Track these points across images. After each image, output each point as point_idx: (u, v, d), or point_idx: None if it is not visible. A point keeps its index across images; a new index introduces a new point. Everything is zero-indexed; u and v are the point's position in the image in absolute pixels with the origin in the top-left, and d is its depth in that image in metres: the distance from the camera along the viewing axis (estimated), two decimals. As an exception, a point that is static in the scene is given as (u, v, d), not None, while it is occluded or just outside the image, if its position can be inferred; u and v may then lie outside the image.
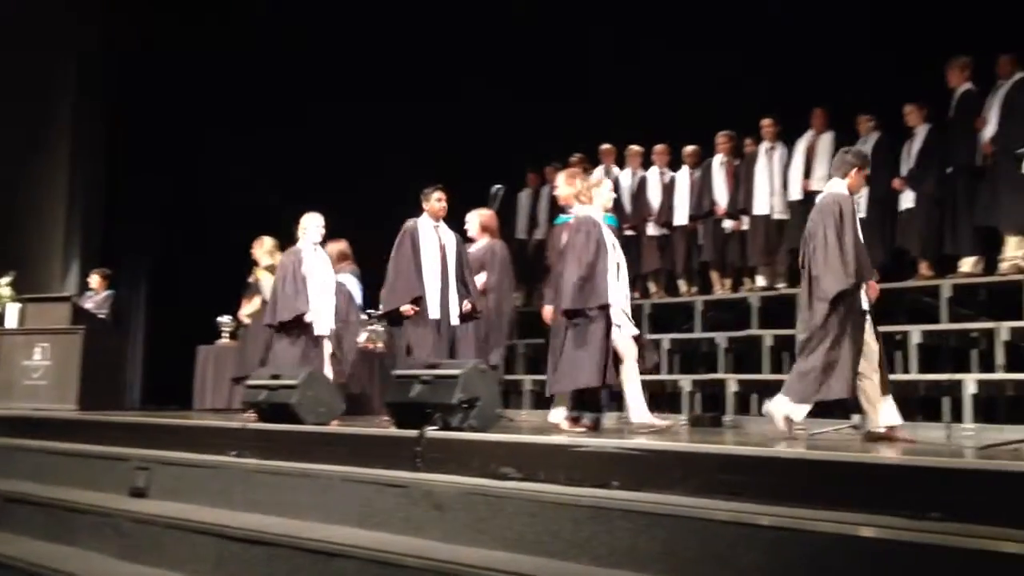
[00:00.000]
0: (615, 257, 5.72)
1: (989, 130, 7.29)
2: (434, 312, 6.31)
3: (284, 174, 10.77)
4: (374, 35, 10.86)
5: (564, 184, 6.44)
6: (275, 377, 6.31)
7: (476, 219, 6.94)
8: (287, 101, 10.94)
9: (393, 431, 5.24)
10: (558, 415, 5.80)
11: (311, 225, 7.32)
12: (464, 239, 6.91)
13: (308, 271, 7.14)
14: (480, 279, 6.73)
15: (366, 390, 8.16)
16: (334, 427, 5.95)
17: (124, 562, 4.84)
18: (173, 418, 6.85)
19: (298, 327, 7.01)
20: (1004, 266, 7.18)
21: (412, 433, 4.82)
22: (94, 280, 10.16)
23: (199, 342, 9.75)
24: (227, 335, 9.62)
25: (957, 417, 6.37)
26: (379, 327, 9.00)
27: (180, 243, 11.47)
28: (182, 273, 11.12)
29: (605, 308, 5.55)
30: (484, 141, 10.19)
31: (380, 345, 8.62)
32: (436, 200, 6.56)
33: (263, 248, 8.38)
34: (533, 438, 4.68)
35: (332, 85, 10.87)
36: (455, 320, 6.39)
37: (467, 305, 6.45)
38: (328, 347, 7.21)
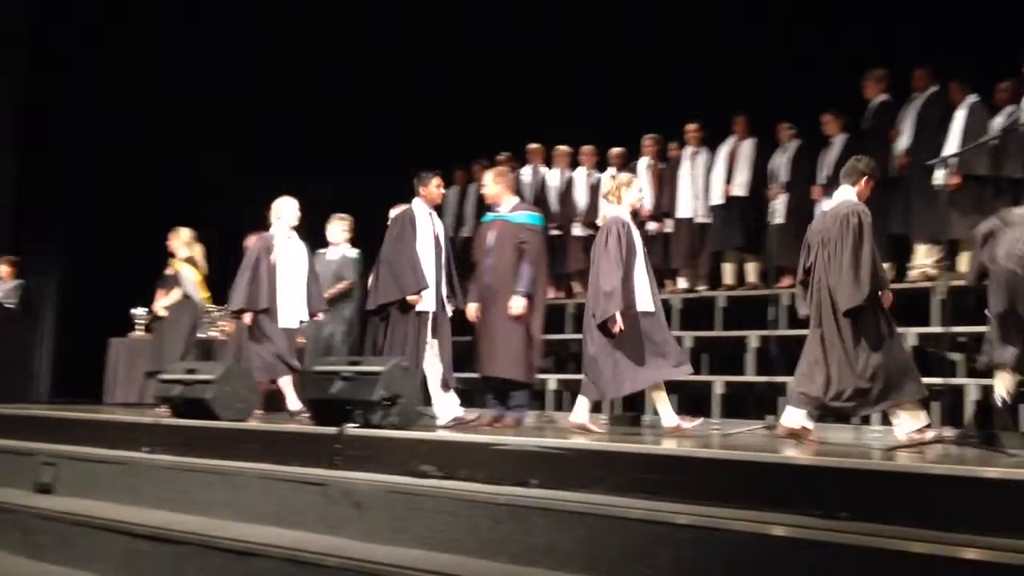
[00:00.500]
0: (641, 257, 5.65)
1: (903, 141, 7.52)
2: (427, 305, 6.11)
3: (199, 164, 10.55)
4: (296, 31, 10.71)
5: (492, 182, 6.43)
6: (191, 371, 6.17)
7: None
8: (200, 91, 10.71)
9: (312, 428, 5.17)
10: (583, 415, 5.74)
11: (286, 210, 6.98)
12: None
13: (279, 259, 6.85)
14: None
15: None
16: (251, 423, 5.85)
17: (30, 560, 4.70)
18: (82, 412, 6.65)
19: (266, 317, 6.76)
20: (913, 273, 7.42)
21: (332, 430, 4.77)
22: (2, 269, 9.80)
23: (112, 334, 9.49)
24: (141, 328, 9.39)
25: (866, 419, 6.55)
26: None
27: (93, 233, 11.12)
28: (95, 263, 10.78)
29: (643, 311, 5.51)
30: (411, 137, 10.13)
31: (302, 340, 8.49)
32: (435, 186, 6.34)
33: (180, 239, 8.19)
34: (454, 436, 4.68)
35: (244, 79, 10.69)
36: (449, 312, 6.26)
37: (450, 308, 6.30)
38: (297, 341, 6.97)
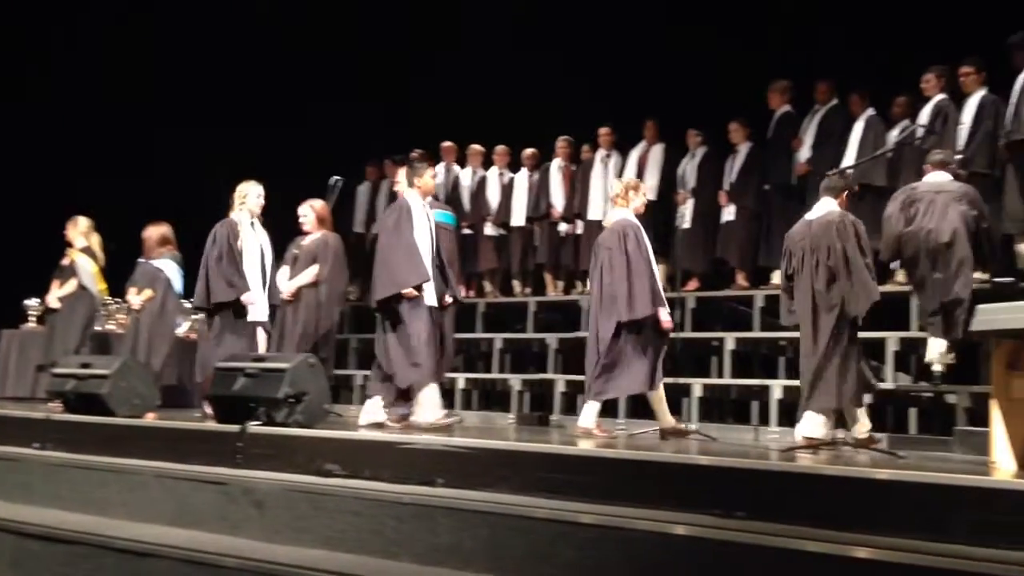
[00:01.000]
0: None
1: (804, 151, 7.76)
2: (429, 298, 5.82)
3: (90, 152, 10.21)
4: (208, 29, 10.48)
5: (406, 178, 6.38)
6: (85, 365, 5.97)
7: (311, 210, 6.77)
8: (86, 76, 10.39)
9: (213, 425, 5.06)
10: (590, 420, 5.70)
11: (251, 193, 6.53)
12: (299, 231, 6.75)
13: (244, 246, 6.43)
14: (312, 271, 6.58)
15: (184, 382, 7.82)
16: (149, 420, 5.68)
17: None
18: (-31, 407, 6.35)
19: (232, 311, 6.32)
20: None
21: (234, 428, 4.67)
22: None
23: (2, 325, 9.10)
24: (34, 319, 9.03)
25: (764, 420, 6.75)
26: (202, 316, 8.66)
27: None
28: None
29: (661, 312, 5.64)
30: (323, 133, 9.99)
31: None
32: (430, 176, 6.15)
33: (78, 229, 7.91)
34: (360, 434, 4.64)
35: (140, 66, 10.41)
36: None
37: (448, 298, 6.03)
38: (263, 336, 6.55)
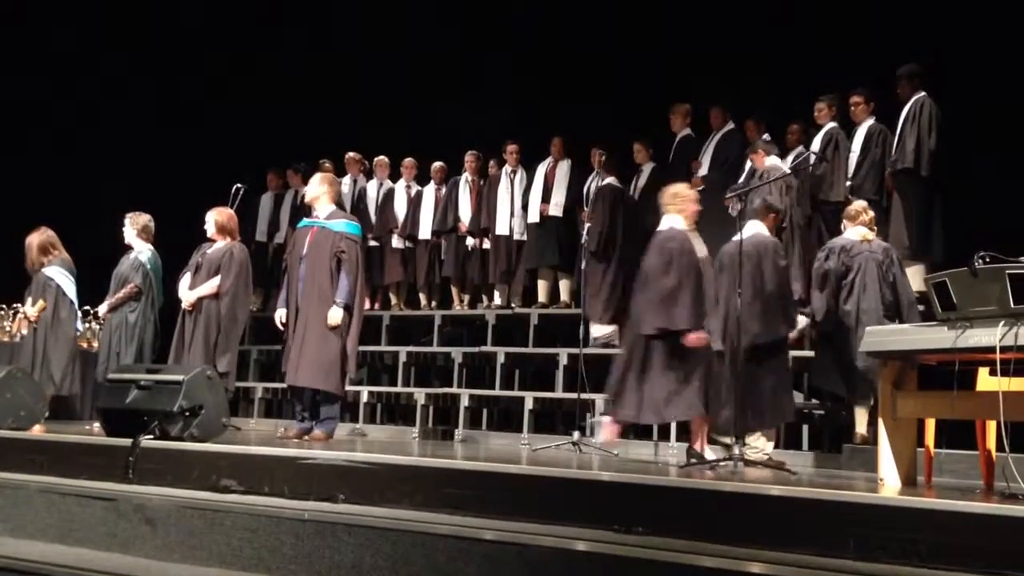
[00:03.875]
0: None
1: (701, 173, 7.95)
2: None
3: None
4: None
5: (317, 184, 6.27)
6: (-33, 376, 5.69)
7: (214, 218, 6.60)
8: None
9: (103, 439, 4.88)
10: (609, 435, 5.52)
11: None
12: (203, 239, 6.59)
13: None
14: (214, 283, 6.42)
15: (74, 393, 7.50)
16: (33, 433, 5.45)
17: None
18: None
19: None
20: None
21: (125, 442, 4.51)
22: None
23: None
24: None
25: (664, 436, 6.87)
26: (94, 325, 8.36)
27: None
28: None
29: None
30: (226, 141, 9.79)
31: (95, 344, 8.00)
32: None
33: None
34: (257, 449, 4.53)
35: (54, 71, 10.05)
36: None
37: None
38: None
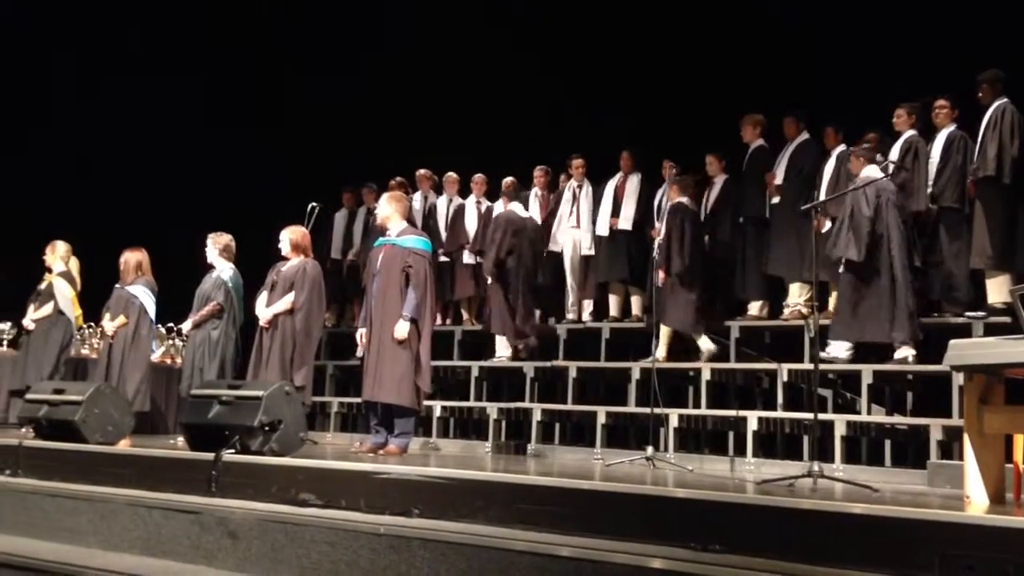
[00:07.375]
0: None
1: (778, 182, 7.82)
2: None
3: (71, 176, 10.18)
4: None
5: (385, 204, 6.40)
6: (58, 391, 5.90)
7: (288, 237, 6.76)
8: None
9: (187, 453, 5.01)
10: None
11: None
12: (278, 257, 6.75)
13: None
14: (289, 299, 6.57)
15: (159, 408, 7.74)
16: (122, 447, 5.62)
17: None
18: (-64, 432, 6.25)
19: None
20: (787, 311, 7.73)
21: (208, 456, 4.63)
22: None
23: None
24: (6, 342, 8.91)
25: (740, 451, 6.78)
26: (177, 341, 8.61)
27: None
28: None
29: None
30: (301, 159, 10.01)
31: (178, 361, 8.23)
32: None
33: (56, 253, 7.87)
34: (335, 464, 4.60)
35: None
36: None
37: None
38: None
